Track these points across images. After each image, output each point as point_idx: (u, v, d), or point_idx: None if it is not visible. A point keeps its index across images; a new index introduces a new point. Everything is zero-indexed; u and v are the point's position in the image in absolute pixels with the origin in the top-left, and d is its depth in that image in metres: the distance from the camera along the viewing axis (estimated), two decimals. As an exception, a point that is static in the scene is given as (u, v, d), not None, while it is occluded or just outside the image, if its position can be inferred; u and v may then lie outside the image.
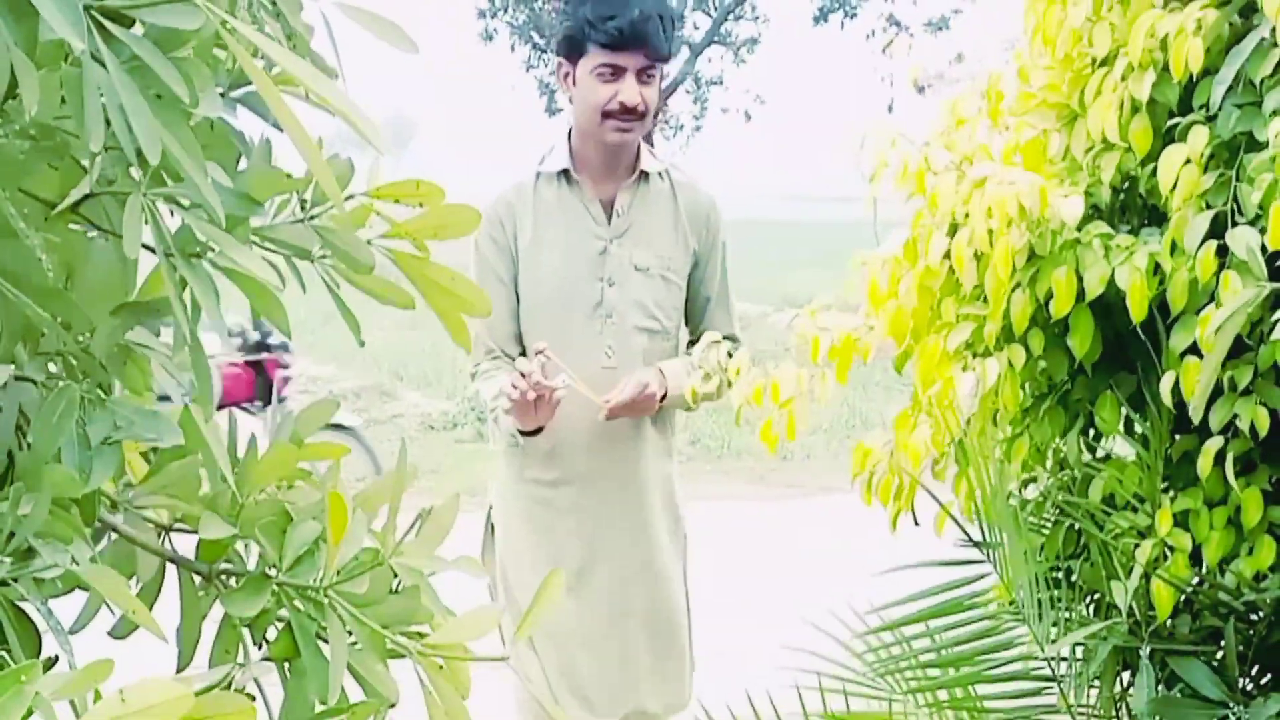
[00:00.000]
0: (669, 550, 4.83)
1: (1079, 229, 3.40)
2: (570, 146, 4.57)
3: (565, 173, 4.56)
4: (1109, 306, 3.36)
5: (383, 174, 1.53)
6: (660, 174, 4.66)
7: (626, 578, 4.73)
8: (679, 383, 4.57)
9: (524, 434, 4.56)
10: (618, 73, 4.36)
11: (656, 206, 4.62)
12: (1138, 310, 3.28)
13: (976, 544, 3.70)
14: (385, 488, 1.66)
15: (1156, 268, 3.28)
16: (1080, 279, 3.37)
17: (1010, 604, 3.69)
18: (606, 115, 4.39)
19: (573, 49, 4.42)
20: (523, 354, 4.58)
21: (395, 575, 1.61)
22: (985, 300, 3.52)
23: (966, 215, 3.44)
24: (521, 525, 4.78)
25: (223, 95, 1.49)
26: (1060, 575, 3.69)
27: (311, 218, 1.51)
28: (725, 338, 4.37)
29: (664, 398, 4.59)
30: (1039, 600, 3.56)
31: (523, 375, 4.26)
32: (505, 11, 19.86)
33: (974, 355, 3.60)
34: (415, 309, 1.60)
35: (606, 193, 4.59)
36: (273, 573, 1.57)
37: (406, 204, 1.53)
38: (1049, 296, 3.39)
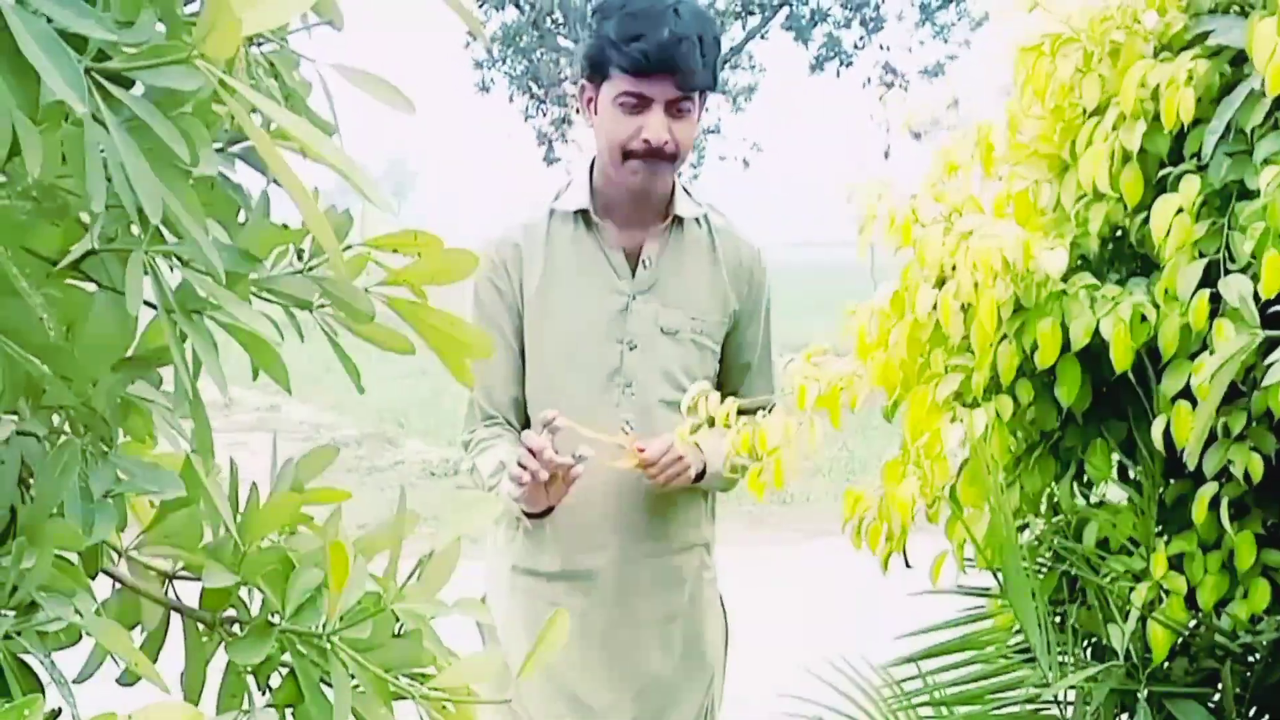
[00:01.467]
0: (696, 671, 4.19)
1: (1065, 280, 3.42)
2: (591, 183, 3.87)
3: (584, 213, 3.87)
4: (1098, 354, 3.38)
5: (380, 223, 1.55)
6: (698, 220, 3.97)
7: (642, 693, 4.06)
8: (719, 458, 3.85)
9: (531, 516, 3.89)
10: (643, 104, 3.67)
11: (691, 258, 3.92)
12: (1121, 361, 3.30)
13: (981, 590, 3.72)
14: (386, 534, 1.67)
15: (1144, 316, 3.31)
16: (1065, 330, 3.39)
17: (1014, 645, 3.71)
18: (629, 154, 3.72)
19: (595, 71, 3.73)
20: (526, 425, 3.96)
21: (397, 619, 1.62)
22: (973, 351, 3.54)
23: (954, 268, 3.46)
24: (522, 629, 4.03)
25: (222, 150, 1.51)
26: (1058, 619, 3.71)
27: (310, 268, 1.53)
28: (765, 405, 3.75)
29: (700, 476, 3.93)
30: (1046, 643, 3.57)
31: (531, 452, 3.62)
32: (503, 62, 19.92)
33: (962, 405, 3.61)
34: (415, 354, 1.62)
35: (632, 240, 3.90)
36: (276, 620, 1.58)
37: (404, 254, 1.55)
38: (1035, 347, 3.41)
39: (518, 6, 19.33)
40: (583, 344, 3.88)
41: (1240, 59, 3.30)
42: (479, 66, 20.14)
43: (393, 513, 1.65)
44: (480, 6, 19.43)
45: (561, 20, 19.30)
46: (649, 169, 3.76)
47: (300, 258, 1.54)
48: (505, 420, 3.98)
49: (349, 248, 1.53)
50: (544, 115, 20.47)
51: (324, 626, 1.56)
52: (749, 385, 4.10)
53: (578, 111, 4.08)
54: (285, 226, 1.52)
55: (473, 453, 3.99)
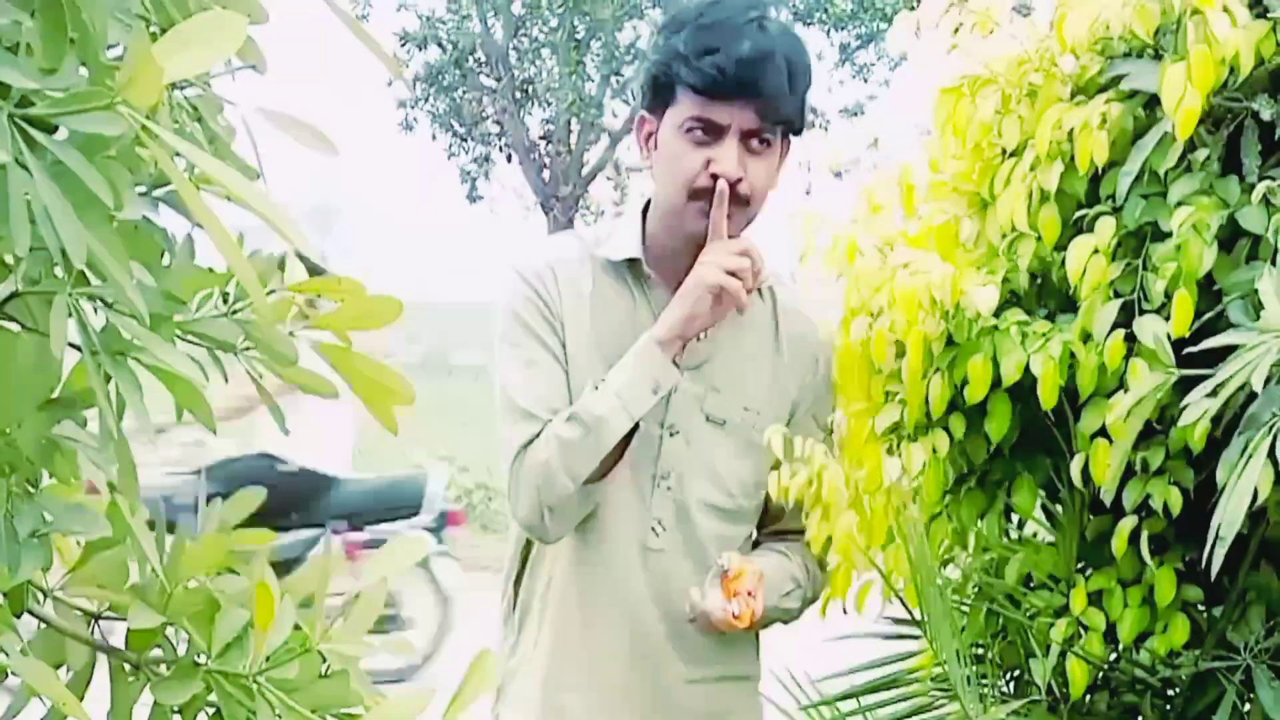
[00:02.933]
0: None
1: (997, 315, 3.45)
2: (644, 228, 3.21)
3: (634, 263, 3.20)
4: (1026, 390, 3.41)
5: (302, 271, 1.56)
6: (760, 290, 3.30)
7: None
8: (781, 591, 3.36)
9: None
10: (713, 132, 3.04)
11: (751, 336, 3.28)
12: (1048, 398, 3.33)
13: (909, 620, 3.73)
14: (313, 574, 1.68)
15: (1073, 354, 3.34)
16: (997, 365, 3.42)
17: (938, 680, 3.73)
18: (695, 193, 3.06)
19: (657, 96, 3.10)
20: None
21: (324, 660, 1.63)
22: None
23: (890, 302, 3.48)
24: None
25: (146, 194, 1.51)
26: (980, 654, 3.73)
27: (235, 311, 1.54)
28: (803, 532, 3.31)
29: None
30: (966, 676, 3.60)
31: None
32: (425, 101, 19.90)
33: (900, 440, 3.62)
34: (339, 398, 1.63)
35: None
36: (202, 660, 1.59)
37: (330, 299, 1.56)
38: (965, 382, 3.44)
39: (440, 45, 19.33)
40: None
41: (1154, 102, 3.34)
42: (402, 105, 20.11)
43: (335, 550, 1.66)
44: (402, 45, 19.46)
45: (484, 59, 19.31)
46: (716, 212, 3.06)
47: (225, 301, 1.55)
48: None
49: (273, 292, 1.54)
50: (467, 154, 20.44)
51: (250, 667, 1.57)
52: (788, 521, 3.37)
53: (642, 150, 3.20)
54: (210, 270, 1.53)
55: (547, 436, 3.12)
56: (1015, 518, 3.81)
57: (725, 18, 3.07)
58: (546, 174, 19.28)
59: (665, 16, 3.24)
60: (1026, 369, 3.37)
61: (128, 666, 1.68)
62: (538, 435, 3.13)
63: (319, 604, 1.65)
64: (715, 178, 3.06)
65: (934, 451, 3.53)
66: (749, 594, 3.08)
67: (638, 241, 3.20)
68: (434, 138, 20.35)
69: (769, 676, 3.70)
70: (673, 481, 3.21)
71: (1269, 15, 3.22)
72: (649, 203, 3.27)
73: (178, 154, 1.26)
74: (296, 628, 1.61)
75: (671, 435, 3.20)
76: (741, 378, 3.26)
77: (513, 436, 3.16)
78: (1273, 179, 3.13)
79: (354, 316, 1.57)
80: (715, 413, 3.22)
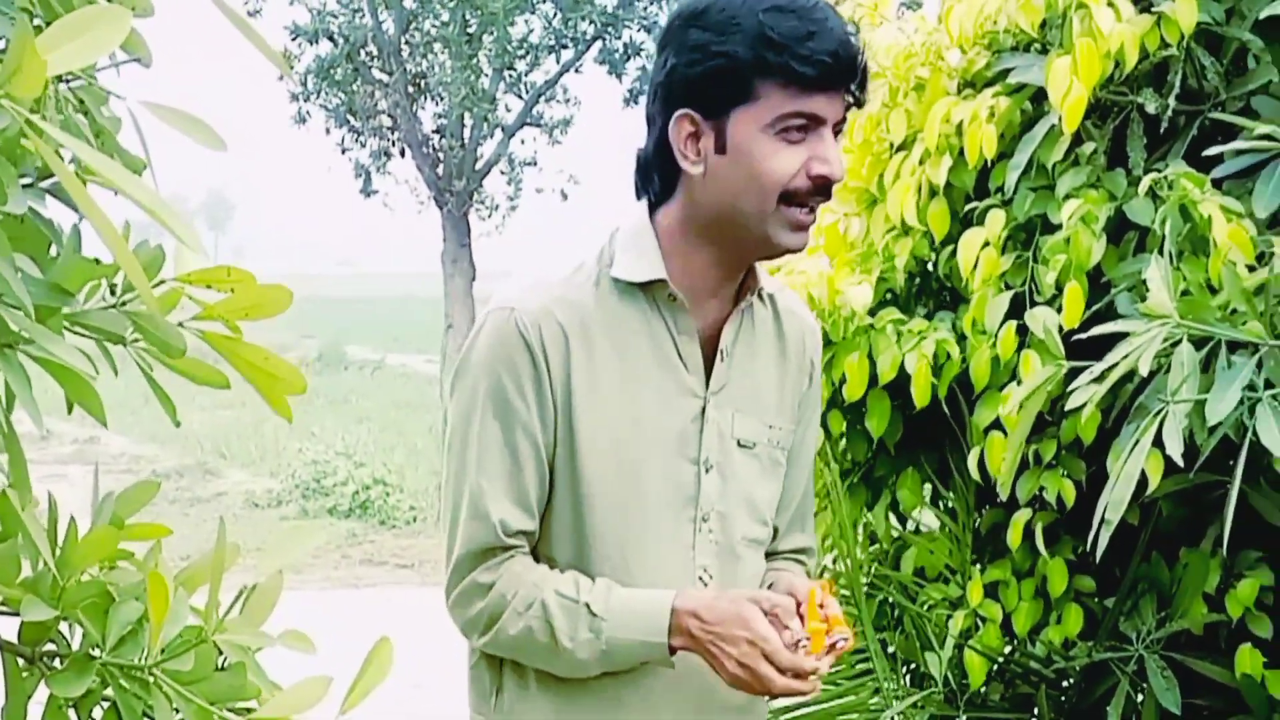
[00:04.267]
0: None
1: (873, 314, 3.48)
2: (660, 243, 2.73)
3: (655, 286, 2.73)
4: (910, 386, 3.44)
5: (194, 259, 1.55)
6: (762, 294, 2.88)
7: None
8: None
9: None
10: (812, 127, 2.58)
11: (762, 346, 2.88)
12: (921, 396, 3.37)
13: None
14: (207, 566, 1.67)
15: (949, 354, 3.37)
16: (873, 363, 3.45)
17: (856, 671, 3.75)
18: (788, 197, 2.58)
19: (724, 91, 2.59)
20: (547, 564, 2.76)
21: (220, 652, 1.62)
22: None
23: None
24: None
25: (31, 186, 1.50)
26: (878, 646, 3.76)
27: (123, 303, 1.53)
28: (801, 551, 3.02)
29: None
30: (859, 670, 3.63)
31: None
32: (318, 95, 19.82)
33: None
34: (230, 389, 1.62)
35: (709, 321, 2.78)
36: (96, 653, 1.58)
37: (218, 290, 1.55)
38: (844, 380, 3.46)
39: (332, 40, 19.25)
40: (649, 463, 2.74)
41: (1040, 96, 3.39)
42: (295, 99, 20.00)
43: (231, 543, 1.65)
44: (294, 39, 19.37)
45: (376, 53, 19.25)
46: (810, 216, 2.63)
47: (113, 292, 1.53)
48: (515, 552, 2.73)
49: (162, 283, 1.52)
50: (362, 147, 20.35)
51: (146, 659, 1.56)
52: (800, 512, 3.03)
53: (685, 154, 2.66)
54: (97, 261, 1.52)
55: (519, 599, 2.68)
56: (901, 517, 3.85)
57: (794, 1, 2.59)
58: (441, 168, 19.25)
59: (678, 10, 2.56)
60: (904, 368, 3.40)
61: (21, 661, 1.66)
62: (494, 555, 2.70)
63: (214, 596, 1.64)
64: (824, 178, 2.58)
65: (813, 448, 3.56)
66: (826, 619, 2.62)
67: (659, 260, 2.71)
68: (328, 132, 20.27)
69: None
70: (714, 523, 2.79)
71: (1153, 9, 3.26)
72: (655, 214, 2.75)
73: (62, 147, 1.24)
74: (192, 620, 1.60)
75: (707, 471, 2.78)
76: (759, 394, 2.86)
77: (463, 538, 2.72)
78: (1158, 171, 3.17)
79: (244, 306, 1.55)
80: (745, 437, 2.83)
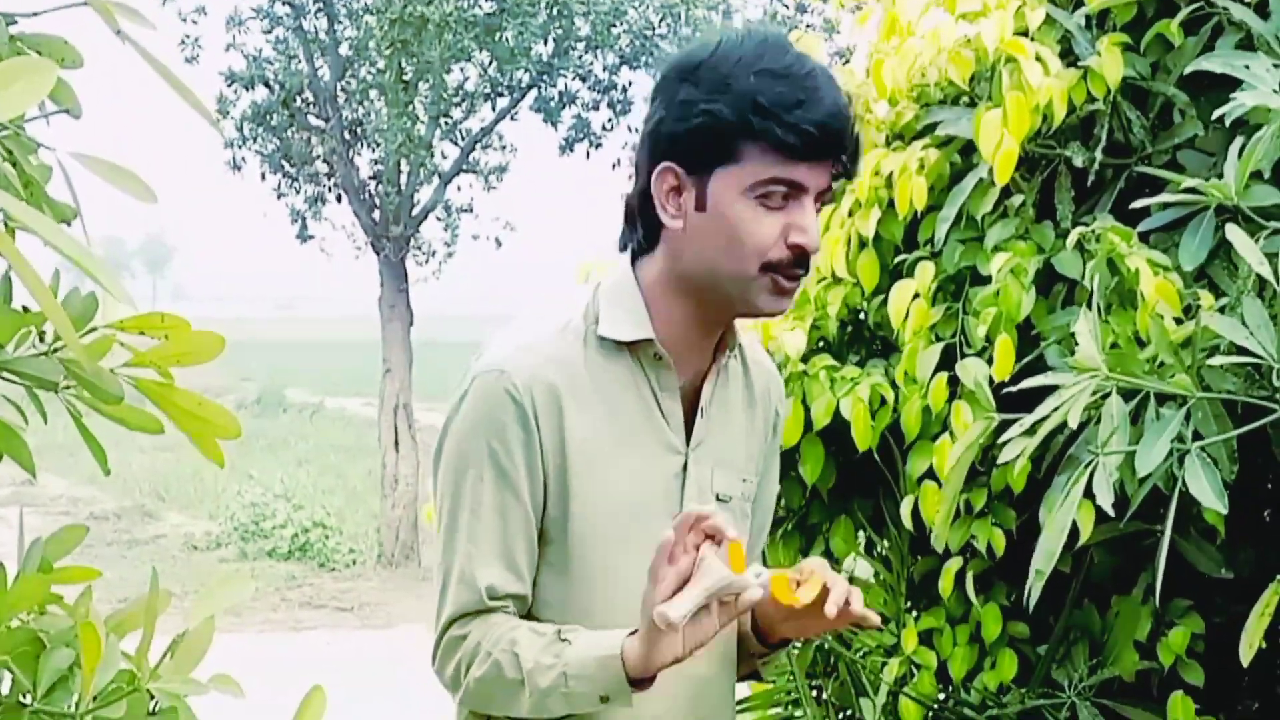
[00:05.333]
0: None
1: (805, 361, 3.49)
2: (645, 299, 2.73)
3: (641, 344, 2.72)
4: (842, 433, 3.45)
5: (124, 308, 1.54)
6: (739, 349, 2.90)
7: None
8: None
9: (637, 684, 2.58)
10: (793, 195, 2.56)
11: (734, 397, 2.88)
12: (861, 440, 3.38)
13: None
14: (139, 612, 1.66)
15: (883, 399, 3.39)
16: (807, 410, 3.46)
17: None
18: (769, 266, 2.58)
19: (708, 150, 2.58)
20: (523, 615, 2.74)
21: (153, 698, 1.61)
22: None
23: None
24: None
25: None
26: (814, 693, 3.76)
27: (54, 349, 1.52)
28: None
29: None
30: (790, 716, 3.63)
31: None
32: (254, 141, 19.74)
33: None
34: (164, 434, 1.61)
35: (689, 375, 2.78)
36: (27, 700, 1.57)
37: (151, 336, 1.54)
38: (778, 427, 3.48)
39: (267, 85, 19.18)
40: (636, 520, 2.72)
41: (969, 149, 3.41)
42: (229, 145, 19.91)
43: (162, 589, 1.64)
44: (229, 85, 19.27)
45: (312, 100, 19.19)
46: (792, 284, 2.63)
47: (42, 339, 1.53)
48: (504, 607, 2.71)
49: (93, 329, 1.52)
50: (297, 193, 20.27)
51: (77, 707, 1.55)
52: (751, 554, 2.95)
53: (666, 208, 2.65)
54: (25, 310, 1.52)
55: (490, 640, 2.66)
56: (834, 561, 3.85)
57: (791, 64, 2.57)
58: (377, 214, 19.18)
59: (672, 63, 2.67)
60: (839, 413, 3.41)
61: (-51, 714, 1.66)
62: (476, 614, 2.68)
63: (146, 642, 1.63)
64: (800, 248, 2.56)
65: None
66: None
67: (645, 318, 2.70)
68: (263, 177, 20.14)
69: None
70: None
71: (1079, 64, 3.29)
72: (637, 269, 2.74)
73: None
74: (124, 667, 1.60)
75: None
76: (733, 446, 2.85)
77: (450, 603, 2.68)
78: (1086, 225, 3.19)
79: (176, 353, 1.55)
80: (723, 491, 2.80)
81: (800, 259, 2.55)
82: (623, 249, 2.75)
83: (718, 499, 2.76)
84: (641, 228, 2.67)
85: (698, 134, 2.55)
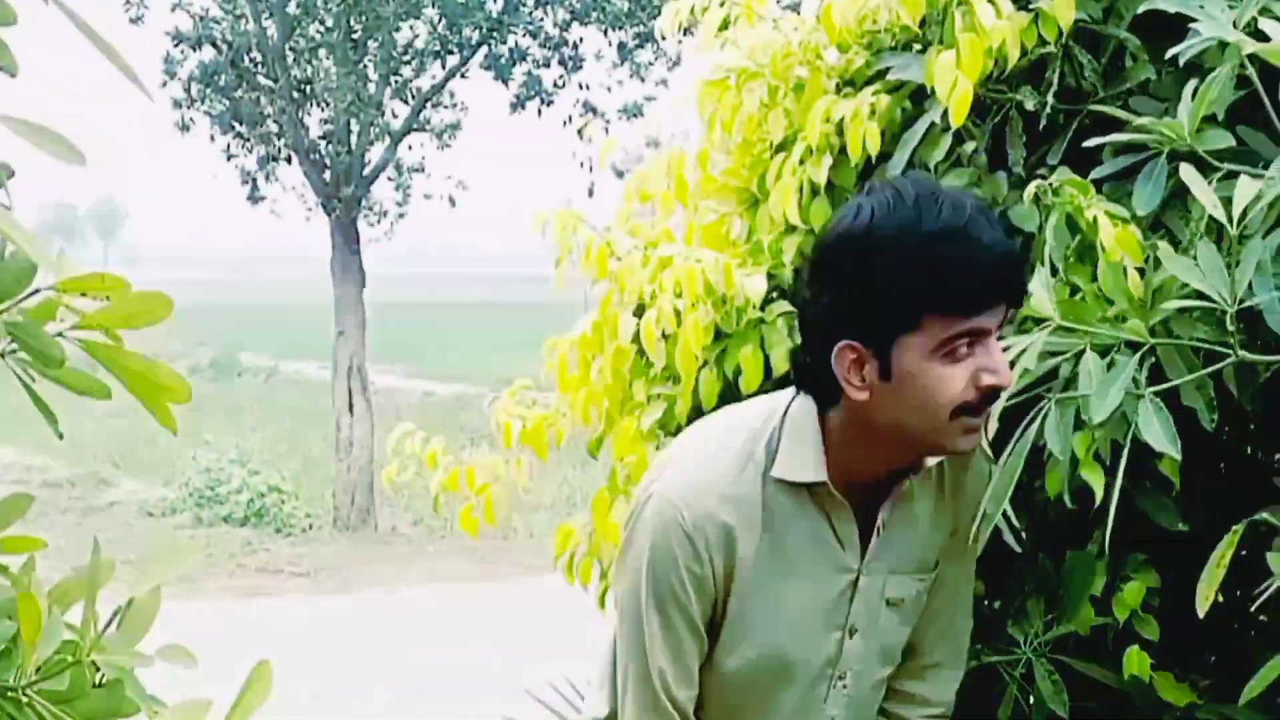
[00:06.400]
0: None
1: (763, 308, 3.46)
2: (826, 441, 2.77)
3: (817, 485, 2.79)
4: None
5: (69, 267, 1.51)
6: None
7: None
8: None
9: None
10: (977, 340, 2.60)
11: (920, 501, 2.91)
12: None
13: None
14: (82, 582, 1.63)
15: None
16: (766, 357, 3.43)
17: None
18: (960, 410, 2.62)
19: (888, 323, 2.60)
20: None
21: (98, 670, 1.58)
22: (675, 380, 3.56)
23: (654, 295, 3.48)
24: None
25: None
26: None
27: (-2, 313, 1.49)
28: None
29: None
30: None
31: None
32: (202, 102, 19.67)
33: (667, 434, 3.63)
34: (111, 399, 1.59)
35: (871, 502, 2.85)
36: (-30, 672, 1.54)
37: (93, 297, 1.51)
38: (737, 373, 3.44)
39: (215, 46, 19.10)
40: (796, 636, 2.88)
41: (920, 95, 3.37)
42: (178, 106, 19.83)
43: (103, 557, 1.62)
44: (176, 45, 19.21)
45: (260, 59, 19.11)
46: (981, 421, 2.69)
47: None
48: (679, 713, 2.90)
49: (36, 291, 1.49)
50: (248, 154, 20.22)
51: (19, 679, 1.52)
52: (937, 649, 3.07)
53: (850, 383, 2.68)
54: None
55: None
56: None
57: (950, 222, 2.56)
58: (328, 174, 19.13)
59: (829, 241, 2.71)
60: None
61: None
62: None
63: (89, 613, 1.60)
64: (993, 387, 2.62)
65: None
66: None
67: (822, 463, 2.76)
68: (213, 139, 20.09)
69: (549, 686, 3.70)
70: (850, 680, 2.94)
71: (1030, 6, 3.25)
72: (814, 416, 2.78)
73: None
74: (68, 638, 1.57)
75: (851, 636, 2.90)
76: (914, 548, 2.91)
77: (638, 707, 2.90)
78: (1040, 176, 3.15)
79: (123, 315, 1.52)
80: (895, 595, 2.91)
81: (989, 396, 2.63)
82: (799, 390, 2.81)
83: (888, 604, 2.89)
84: (822, 388, 2.72)
85: (875, 312, 2.59)
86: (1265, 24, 2.86)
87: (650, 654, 2.80)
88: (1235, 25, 2.92)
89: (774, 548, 2.80)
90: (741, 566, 2.78)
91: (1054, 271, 2.99)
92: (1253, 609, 2.99)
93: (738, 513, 2.76)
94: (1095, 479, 2.88)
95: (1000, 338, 2.65)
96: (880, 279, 2.57)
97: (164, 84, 19.64)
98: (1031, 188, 3.12)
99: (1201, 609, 2.81)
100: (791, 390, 2.81)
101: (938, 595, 2.97)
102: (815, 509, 2.80)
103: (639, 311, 3.57)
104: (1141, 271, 3.01)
